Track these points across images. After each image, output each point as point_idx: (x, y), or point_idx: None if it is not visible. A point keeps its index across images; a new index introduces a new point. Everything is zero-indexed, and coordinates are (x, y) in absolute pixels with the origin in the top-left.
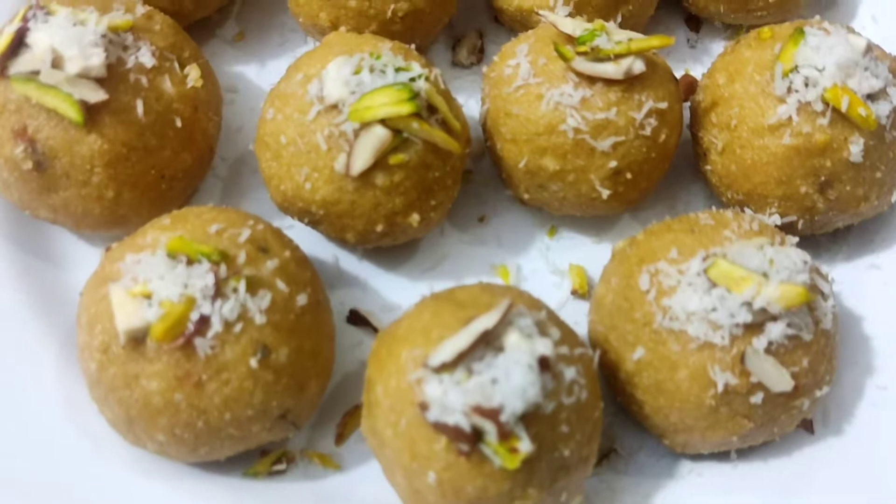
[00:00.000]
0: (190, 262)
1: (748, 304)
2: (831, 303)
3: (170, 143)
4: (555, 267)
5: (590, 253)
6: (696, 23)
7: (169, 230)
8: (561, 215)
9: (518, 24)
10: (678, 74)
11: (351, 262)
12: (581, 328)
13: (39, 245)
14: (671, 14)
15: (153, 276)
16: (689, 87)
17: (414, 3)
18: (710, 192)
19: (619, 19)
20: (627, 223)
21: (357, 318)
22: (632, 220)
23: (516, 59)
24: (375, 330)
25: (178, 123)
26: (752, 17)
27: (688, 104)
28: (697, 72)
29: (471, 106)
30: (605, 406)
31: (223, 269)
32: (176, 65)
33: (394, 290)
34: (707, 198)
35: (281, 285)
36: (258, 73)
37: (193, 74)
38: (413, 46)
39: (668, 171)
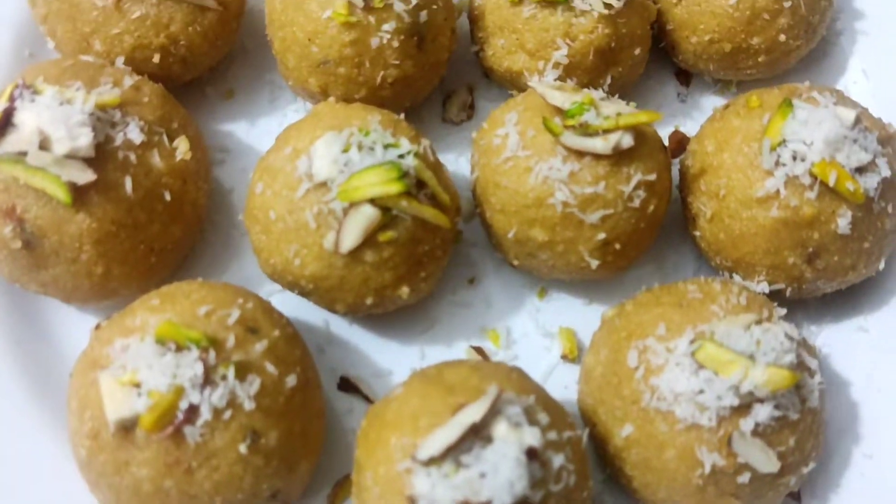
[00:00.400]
0: (179, 348)
1: (735, 388)
2: (818, 379)
3: (159, 218)
4: (545, 330)
5: (580, 315)
6: (686, 77)
7: (158, 312)
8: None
9: (507, 83)
10: (669, 129)
11: (341, 327)
12: (571, 393)
13: (30, 313)
14: (662, 67)
15: (142, 365)
16: (678, 144)
17: (403, 69)
18: (699, 254)
19: (609, 80)
20: (617, 284)
21: (348, 386)
22: (622, 280)
23: (505, 129)
24: (368, 399)
25: (168, 197)
26: (741, 73)
27: (677, 161)
28: (688, 126)
29: (461, 164)
30: (596, 472)
31: (212, 355)
32: (165, 138)
33: (385, 355)
34: (696, 259)
35: (270, 368)
36: (248, 131)
37: (182, 147)
38: (402, 115)
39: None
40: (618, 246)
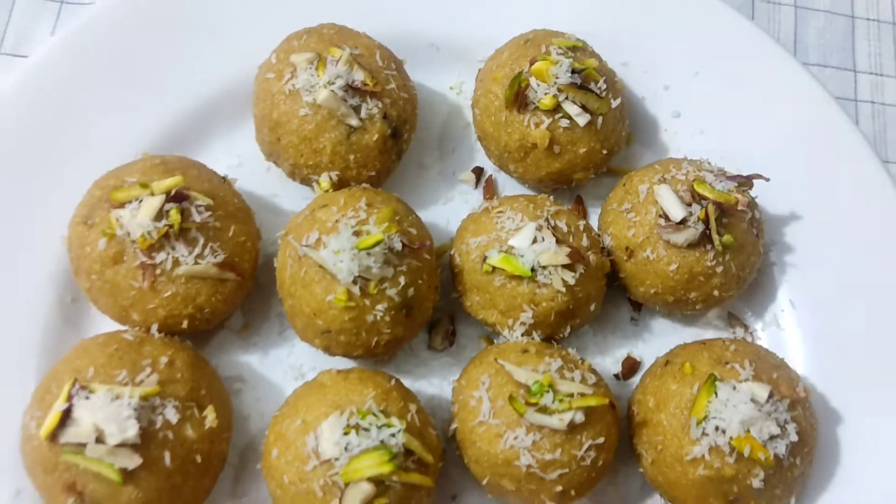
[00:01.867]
0: None
1: None
2: None
3: (192, 477)
4: None
5: None
6: (637, 304)
7: None
8: None
9: (483, 323)
10: (623, 352)
11: None
12: None
13: None
14: (617, 296)
15: None
16: (630, 368)
17: (394, 333)
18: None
19: (569, 329)
20: None
21: None
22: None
23: (479, 392)
24: None
25: (199, 459)
26: (686, 309)
27: (629, 382)
28: (639, 347)
29: (444, 388)
30: None
31: None
32: (196, 410)
33: None
34: (641, 476)
35: None
36: (261, 362)
37: (210, 417)
38: (393, 382)
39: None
40: (573, 493)
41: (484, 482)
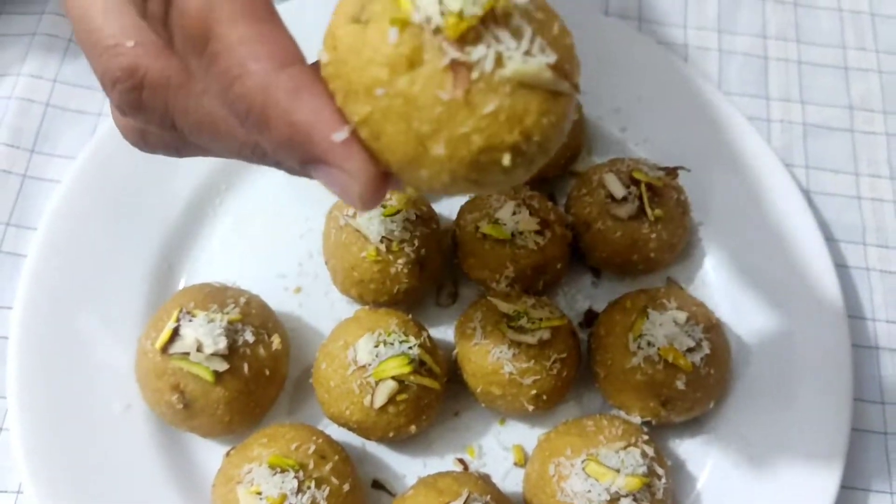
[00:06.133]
0: (282, 470)
1: (607, 490)
2: (664, 481)
3: (262, 385)
4: (504, 446)
5: (527, 436)
6: (597, 271)
7: (267, 447)
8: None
9: (478, 282)
10: (585, 307)
11: (373, 447)
12: (520, 489)
13: (180, 443)
14: (580, 265)
15: (262, 481)
16: (590, 317)
17: (410, 284)
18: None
19: (542, 284)
20: (550, 416)
21: (378, 485)
22: (553, 413)
23: (473, 323)
24: (391, 494)
25: (267, 372)
26: (633, 272)
27: (588, 331)
28: (598, 303)
29: (448, 334)
30: None
31: (301, 474)
32: (265, 336)
33: (400, 465)
34: (600, 398)
35: (334, 480)
36: (310, 315)
37: (276, 341)
38: (410, 316)
39: (575, 380)
40: (545, 397)
41: (478, 391)
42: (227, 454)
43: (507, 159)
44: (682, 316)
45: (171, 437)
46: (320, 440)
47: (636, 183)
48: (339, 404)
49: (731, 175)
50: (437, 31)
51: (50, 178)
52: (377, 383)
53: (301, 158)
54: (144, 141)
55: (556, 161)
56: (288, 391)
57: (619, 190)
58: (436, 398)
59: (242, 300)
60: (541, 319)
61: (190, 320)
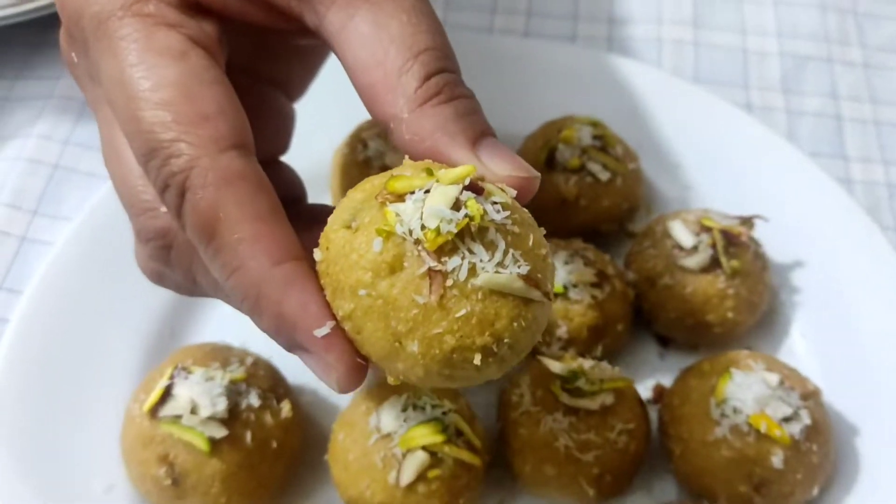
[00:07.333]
0: None
1: None
2: None
3: (267, 460)
4: None
5: None
6: (664, 340)
7: None
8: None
9: None
10: (651, 383)
11: None
12: None
13: None
14: (645, 333)
15: None
16: (659, 394)
17: None
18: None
19: (600, 349)
20: None
21: None
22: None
23: (520, 389)
24: None
25: (274, 445)
26: (704, 340)
27: (658, 406)
28: (667, 379)
29: (489, 407)
30: None
31: None
32: (274, 402)
33: None
34: (677, 486)
35: None
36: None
37: (286, 409)
38: None
39: (644, 464)
40: (609, 478)
41: (526, 471)
42: None
43: (478, 359)
44: (773, 378)
45: None
46: None
47: (707, 231)
48: (358, 484)
49: (816, 235)
50: (418, 242)
51: (50, 241)
52: (404, 455)
53: (287, 344)
54: (160, 279)
55: (609, 212)
56: (298, 471)
57: (687, 238)
58: (475, 479)
59: (249, 360)
60: (602, 381)
61: (185, 378)
